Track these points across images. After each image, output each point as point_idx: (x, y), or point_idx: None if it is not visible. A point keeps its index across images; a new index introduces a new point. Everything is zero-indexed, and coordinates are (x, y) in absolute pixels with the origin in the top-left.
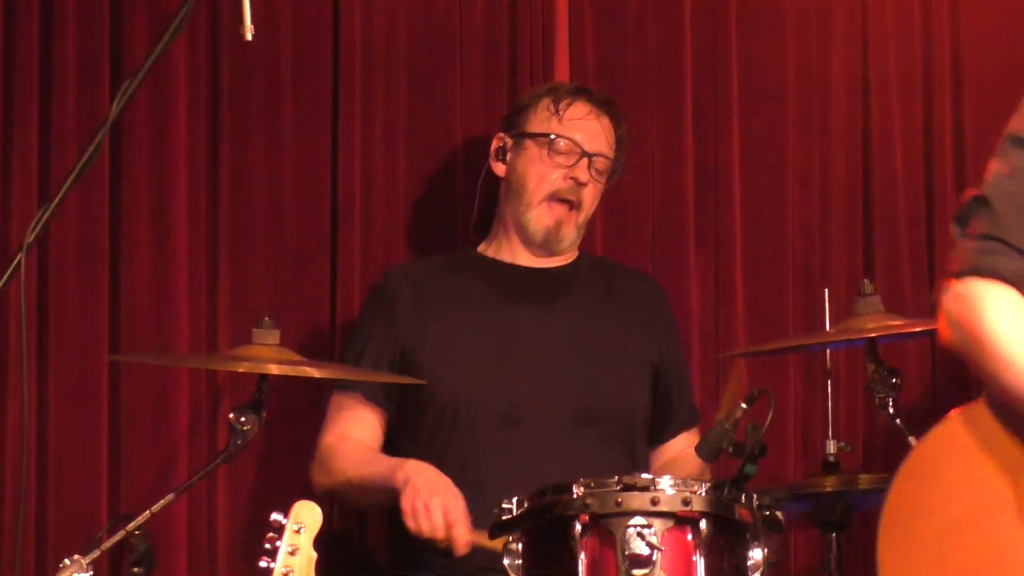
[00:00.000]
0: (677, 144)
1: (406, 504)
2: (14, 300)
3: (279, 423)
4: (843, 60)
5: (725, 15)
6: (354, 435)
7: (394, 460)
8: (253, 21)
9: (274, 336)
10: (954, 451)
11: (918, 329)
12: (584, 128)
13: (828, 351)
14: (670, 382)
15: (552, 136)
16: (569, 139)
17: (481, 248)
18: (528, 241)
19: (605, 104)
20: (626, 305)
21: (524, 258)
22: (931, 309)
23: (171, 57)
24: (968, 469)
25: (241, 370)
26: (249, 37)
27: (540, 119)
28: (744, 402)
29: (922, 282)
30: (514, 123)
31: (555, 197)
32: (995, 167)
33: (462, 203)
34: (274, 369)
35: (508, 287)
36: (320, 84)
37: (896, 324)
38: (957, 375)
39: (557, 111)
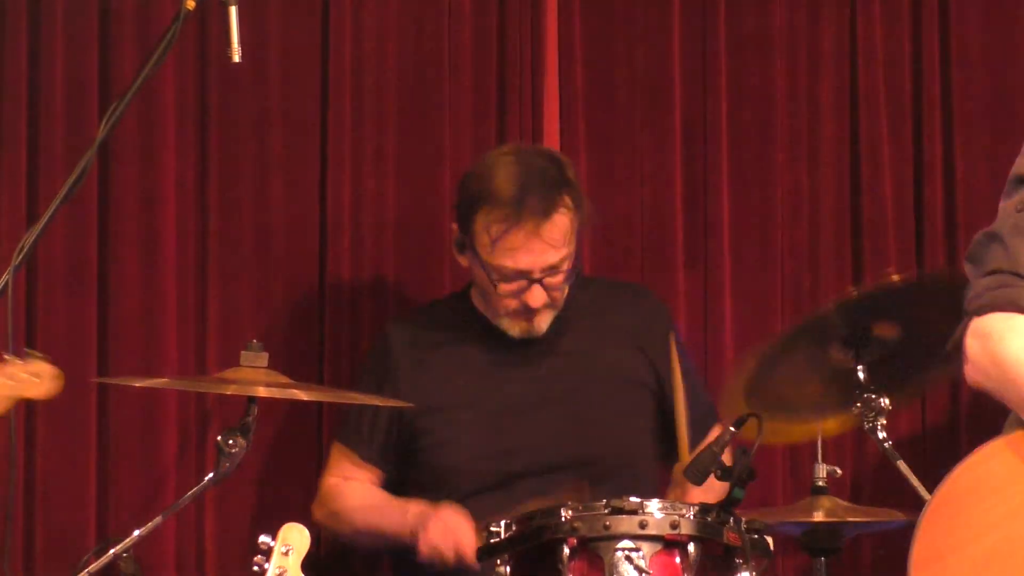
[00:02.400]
0: (666, 167)
1: (424, 553)
2: (1, 322)
3: (267, 446)
4: (832, 83)
5: (714, 39)
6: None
7: (398, 508)
8: (242, 44)
9: (262, 359)
10: (982, 485)
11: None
12: (526, 255)
13: None
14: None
15: (493, 275)
16: (512, 270)
17: (474, 294)
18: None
19: (545, 207)
20: (622, 333)
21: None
22: (952, 349)
23: (159, 80)
24: (998, 501)
25: (229, 392)
26: (237, 59)
27: (481, 241)
28: (733, 426)
29: None
30: (463, 224)
31: (516, 313)
32: (1003, 204)
33: (450, 226)
34: (262, 392)
35: (503, 348)
36: (309, 107)
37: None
38: (946, 398)
39: (493, 242)
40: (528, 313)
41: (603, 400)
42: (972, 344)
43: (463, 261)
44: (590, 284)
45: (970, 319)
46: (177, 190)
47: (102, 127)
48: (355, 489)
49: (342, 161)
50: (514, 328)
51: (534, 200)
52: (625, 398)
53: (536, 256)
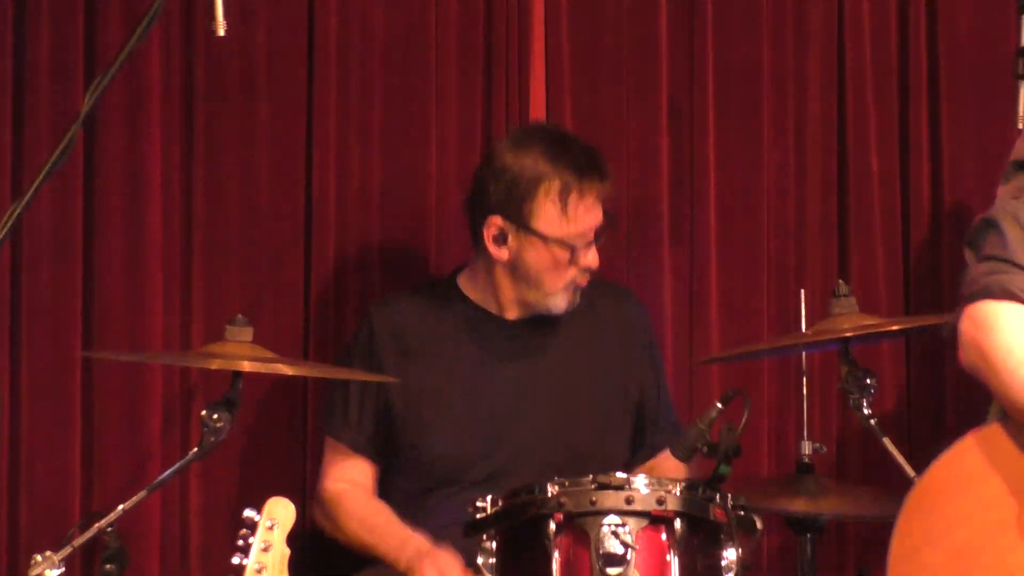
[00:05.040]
0: (652, 144)
1: None
2: None
3: (252, 420)
4: (819, 60)
5: (701, 16)
6: (356, 480)
7: (397, 537)
8: (227, 18)
9: (247, 333)
10: (958, 479)
11: (895, 328)
12: (593, 217)
13: (803, 352)
14: (647, 407)
15: (572, 246)
16: (585, 239)
17: (463, 282)
18: (537, 310)
19: (606, 170)
20: (607, 336)
21: (512, 311)
22: (948, 335)
23: (145, 55)
24: (973, 494)
25: (214, 367)
26: (222, 33)
27: (548, 217)
28: (719, 402)
29: (897, 283)
30: (514, 210)
31: (573, 282)
32: (1001, 191)
33: (436, 203)
34: (247, 366)
35: (493, 342)
36: (295, 82)
37: (871, 324)
38: (932, 376)
39: (566, 211)
40: (581, 280)
41: (590, 408)
42: (966, 329)
43: (502, 254)
44: None
45: (964, 305)
46: (162, 164)
47: (87, 100)
48: (358, 501)
49: (327, 136)
50: (563, 303)
51: (591, 160)
52: (610, 408)
53: (597, 213)
